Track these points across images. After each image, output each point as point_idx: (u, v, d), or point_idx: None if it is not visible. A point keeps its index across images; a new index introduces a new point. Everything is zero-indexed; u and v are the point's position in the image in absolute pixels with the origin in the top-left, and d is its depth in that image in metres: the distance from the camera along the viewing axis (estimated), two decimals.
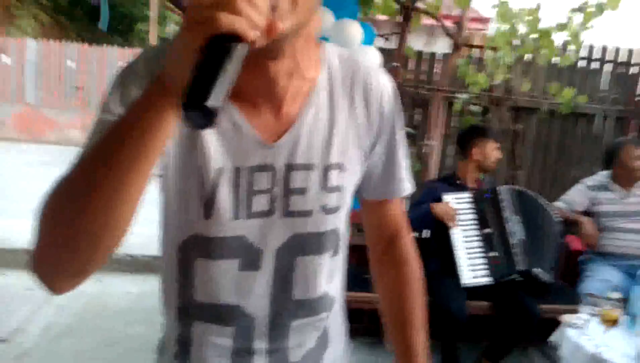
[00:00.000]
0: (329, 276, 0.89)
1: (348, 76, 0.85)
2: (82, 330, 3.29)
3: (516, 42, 3.89)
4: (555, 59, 4.04)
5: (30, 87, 11.57)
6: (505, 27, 3.92)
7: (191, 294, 0.83)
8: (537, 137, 4.41)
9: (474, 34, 7.19)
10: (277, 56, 0.72)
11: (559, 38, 4.80)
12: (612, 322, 2.07)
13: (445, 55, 4.09)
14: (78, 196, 0.61)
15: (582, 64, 4.39)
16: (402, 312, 0.98)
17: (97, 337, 3.22)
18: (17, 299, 3.50)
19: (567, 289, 3.20)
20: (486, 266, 2.95)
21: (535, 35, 3.85)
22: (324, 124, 0.82)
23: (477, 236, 3.01)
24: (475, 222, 3.03)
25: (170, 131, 0.62)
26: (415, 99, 4.17)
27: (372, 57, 3.14)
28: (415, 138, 4.05)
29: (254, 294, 0.83)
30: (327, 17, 3.03)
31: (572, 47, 3.99)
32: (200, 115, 0.50)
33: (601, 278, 3.03)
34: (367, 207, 0.99)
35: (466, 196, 3.06)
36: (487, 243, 3.00)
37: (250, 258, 0.81)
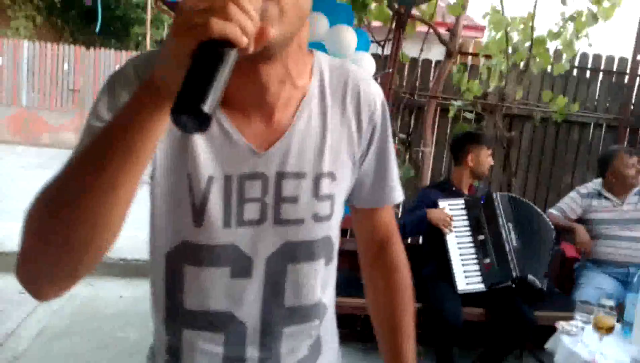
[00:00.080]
0: (322, 284, 0.89)
1: (339, 84, 0.85)
2: (75, 334, 3.27)
3: (510, 50, 3.91)
4: (549, 67, 4.07)
5: (25, 89, 11.54)
6: (498, 35, 3.95)
7: (181, 301, 0.83)
8: (531, 144, 4.43)
9: (469, 41, 7.24)
10: (268, 61, 0.72)
11: (552, 46, 4.84)
12: (606, 329, 2.08)
13: (440, 62, 4.11)
14: (67, 199, 0.60)
15: (575, 72, 4.41)
16: (392, 318, 0.98)
17: (90, 341, 3.21)
18: (10, 303, 3.48)
19: (562, 296, 3.21)
20: (480, 273, 2.95)
21: (529, 44, 3.88)
22: (315, 132, 0.82)
23: (471, 242, 3.02)
24: (470, 229, 3.04)
25: (161, 134, 0.61)
26: (409, 106, 4.18)
27: (366, 64, 3.15)
28: (409, 145, 4.06)
29: (245, 301, 0.83)
30: (322, 23, 3.04)
31: (566, 55, 4.02)
32: (193, 119, 0.51)
33: (595, 286, 3.05)
34: (358, 214, 0.99)
35: (460, 202, 3.06)
36: (482, 249, 3.01)
37: (241, 266, 0.81)
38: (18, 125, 11.46)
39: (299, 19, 0.69)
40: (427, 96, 4.05)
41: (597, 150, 4.42)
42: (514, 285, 2.92)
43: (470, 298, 2.88)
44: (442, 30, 3.92)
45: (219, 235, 0.78)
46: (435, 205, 3.02)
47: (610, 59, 4.44)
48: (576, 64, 4.37)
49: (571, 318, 2.33)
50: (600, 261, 3.16)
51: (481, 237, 3.03)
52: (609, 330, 2.08)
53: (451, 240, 2.98)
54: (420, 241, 3.71)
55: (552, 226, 3.14)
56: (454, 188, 3.18)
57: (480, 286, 2.92)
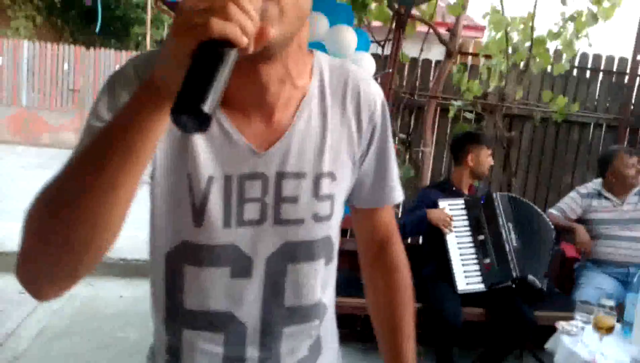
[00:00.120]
0: (322, 284, 0.89)
1: (339, 85, 0.85)
2: (75, 334, 3.27)
3: (510, 50, 3.91)
4: (549, 67, 4.07)
5: (25, 89, 11.54)
6: (498, 35, 3.95)
7: (181, 301, 0.83)
8: (531, 144, 4.43)
9: (469, 41, 7.24)
10: (268, 61, 0.72)
11: (552, 46, 4.84)
12: (606, 329, 2.08)
13: (440, 62, 4.11)
14: (67, 199, 0.60)
15: (575, 72, 4.41)
16: (392, 319, 0.98)
17: (90, 341, 3.21)
18: (10, 303, 3.49)
19: (562, 296, 3.21)
20: (480, 273, 2.95)
21: (529, 44, 3.88)
22: (315, 132, 0.82)
23: (471, 242, 3.02)
24: (470, 229, 3.04)
25: (161, 134, 0.62)
26: (409, 106, 4.18)
27: (366, 64, 3.15)
28: (409, 145, 4.06)
29: (245, 301, 0.83)
30: (322, 23, 3.04)
31: (566, 55, 4.02)
32: (193, 119, 0.51)
33: (595, 286, 3.05)
34: (358, 214, 0.99)
35: (460, 202, 3.06)
36: (482, 249, 3.01)
37: (241, 266, 0.81)
38: (18, 125, 11.46)
39: (299, 19, 0.69)
40: (427, 96, 4.05)
41: (597, 150, 4.42)
42: (514, 285, 2.92)
43: (470, 298, 2.88)
44: (442, 30, 3.92)
45: (219, 235, 0.78)
46: (435, 205, 3.02)
47: (610, 59, 4.44)
48: (576, 64, 4.37)
49: (571, 318, 2.33)
50: (600, 261, 3.16)
51: (481, 237, 3.03)
52: (609, 330, 2.08)
53: (451, 240, 2.98)
54: (420, 241, 3.71)
55: (552, 226, 3.14)
56: (454, 188, 3.18)
57: (480, 286, 2.92)
